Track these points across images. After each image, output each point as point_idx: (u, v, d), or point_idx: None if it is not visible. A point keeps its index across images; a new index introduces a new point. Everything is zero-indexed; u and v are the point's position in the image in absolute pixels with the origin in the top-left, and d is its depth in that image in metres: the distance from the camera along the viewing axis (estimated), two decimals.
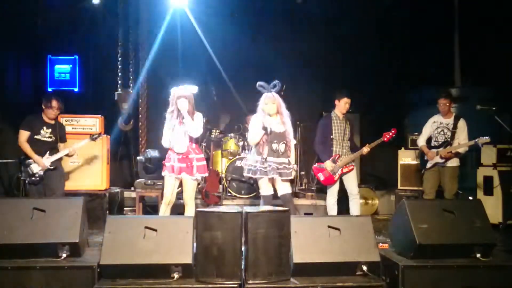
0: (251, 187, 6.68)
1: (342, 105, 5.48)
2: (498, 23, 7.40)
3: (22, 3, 7.36)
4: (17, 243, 3.29)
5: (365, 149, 5.35)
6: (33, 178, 5.22)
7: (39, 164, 5.21)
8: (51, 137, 5.34)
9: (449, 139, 5.61)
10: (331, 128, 5.47)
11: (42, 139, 5.30)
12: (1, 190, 6.56)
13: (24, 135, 5.24)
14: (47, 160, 5.23)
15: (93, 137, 5.58)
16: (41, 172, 5.22)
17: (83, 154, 6.27)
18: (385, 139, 5.32)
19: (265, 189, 4.92)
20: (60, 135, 5.44)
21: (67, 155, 5.45)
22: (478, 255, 3.43)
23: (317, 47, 8.61)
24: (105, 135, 6.50)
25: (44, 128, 5.31)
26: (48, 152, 5.27)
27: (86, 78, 7.89)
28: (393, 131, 5.35)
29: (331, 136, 5.45)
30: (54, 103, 5.28)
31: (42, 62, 7.83)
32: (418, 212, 3.52)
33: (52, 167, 5.27)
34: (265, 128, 4.77)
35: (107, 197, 6.20)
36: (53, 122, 5.40)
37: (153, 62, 8.38)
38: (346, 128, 5.50)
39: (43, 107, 5.31)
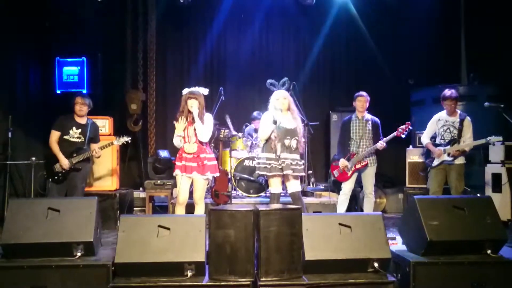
0: (260, 186, 6.72)
1: (357, 104, 5.65)
2: (505, 20, 7.39)
3: (30, 6, 7.42)
4: (33, 243, 3.34)
5: (379, 145, 5.42)
6: (56, 178, 5.28)
7: (62, 164, 5.23)
8: (79, 138, 5.37)
9: (456, 137, 5.60)
10: (349, 129, 5.65)
11: (71, 139, 5.34)
12: (13, 192, 6.62)
13: (55, 135, 5.31)
14: (71, 162, 5.26)
15: (119, 140, 5.58)
16: (65, 172, 5.26)
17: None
18: (398, 133, 5.41)
19: (275, 187, 4.99)
20: (92, 135, 5.47)
21: (93, 156, 5.46)
22: (489, 251, 3.45)
23: (324, 47, 8.65)
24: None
25: (74, 128, 5.35)
26: (74, 153, 5.31)
27: (94, 79, 7.92)
28: (406, 124, 5.44)
29: (350, 136, 5.63)
30: (78, 99, 5.36)
31: (50, 64, 7.88)
32: (428, 209, 3.54)
33: (78, 168, 5.31)
34: (275, 122, 4.83)
35: (118, 198, 6.26)
36: (84, 122, 5.44)
37: (161, 63, 8.44)
38: (365, 128, 5.58)
39: (73, 107, 5.40)
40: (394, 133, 5.42)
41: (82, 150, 5.36)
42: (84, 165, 5.41)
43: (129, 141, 5.74)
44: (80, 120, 5.43)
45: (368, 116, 5.70)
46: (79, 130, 5.39)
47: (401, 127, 5.43)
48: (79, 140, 5.38)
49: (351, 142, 5.62)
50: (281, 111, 4.94)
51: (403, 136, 5.46)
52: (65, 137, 5.33)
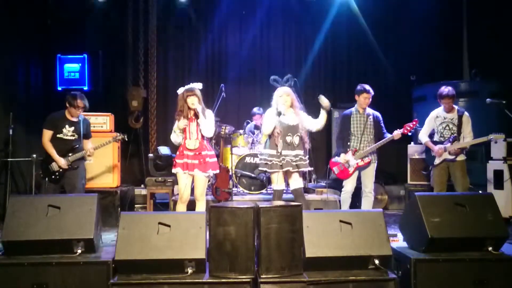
0: (261, 183, 6.71)
1: (362, 100, 5.41)
2: (507, 16, 7.36)
3: (31, 3, 7.41)
4: (33, 240, 3.34)
5: (396, 135, 5.26)
6: (53, 177, 5.18)
7: (59, 163, 5.14)
8: (73, 135, 5.25)
9: (456, 134, 5.55)
10: (350, 124, 5.46)
11: (65, 137, 5.21)
12: (14, 189, 6.62)
13: (47, 134, 5.18)
14: (67, 160, 5.17)
15: (116, 138, 5.57)
16: (61, 171, 5.18)
17: (95, 152, 6.31)
18: (406, 130, 5.27)
19: (278, 184, 4.98)
20: (85, 131, 5.34)
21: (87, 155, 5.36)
22: (490, 248, 3.43)
23: (326, 43, 8.63)
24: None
25: (67, 126, 5.21)
26: (70, 151, 5.21)
27: (95, 76, 7.93)
28: (414, 121, 5.32)
29: (349, 131, 5.44)
30: (80, 102, 5.16)
31: (51, 61, 7.88)
32: (430, 206, 3.52)
33: (74, 166, 5.23)
34: (279, 113, 4.85)
35: (119, 195, 6.26)
36: (76, 119, 5.29)
37: (163, 59, 8.44)
38: (367, 123, 5.42)
39: (67, 105, 5.20)
40: (401, 130, 5.26)
41: (77, 149, 5.26)
42: (80, 162, 5.31)
43: (126, 138, 5.64)
44: (72, 117, 5.27)
45: (370, 110, 5.50)
46: (72, 128, 5.25)
47: (408, 124, 5.27)
48: (73, 138, 5.26)
49: (351, 138, 5.42)
50: (283, 110, 4.92)
51: (409, 134, 5.34)
52: (59, 135, 5.20)
